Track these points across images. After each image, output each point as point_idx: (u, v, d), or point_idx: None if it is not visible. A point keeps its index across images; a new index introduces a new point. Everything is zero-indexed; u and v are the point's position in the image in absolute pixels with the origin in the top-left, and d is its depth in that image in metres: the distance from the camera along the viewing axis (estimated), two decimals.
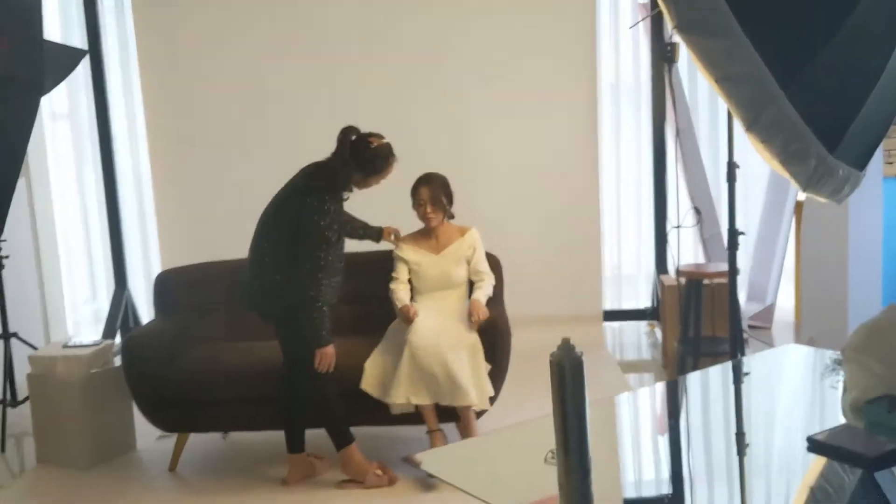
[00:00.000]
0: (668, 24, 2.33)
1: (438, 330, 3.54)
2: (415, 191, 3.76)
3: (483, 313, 3.62)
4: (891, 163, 4.53)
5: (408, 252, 3.80)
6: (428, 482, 3.38)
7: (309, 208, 3.30)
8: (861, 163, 2.60)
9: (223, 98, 5.35)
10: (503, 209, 5.38)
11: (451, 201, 3.81)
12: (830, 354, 2.59)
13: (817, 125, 2.43)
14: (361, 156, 3.38)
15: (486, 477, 1.92)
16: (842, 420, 2.00)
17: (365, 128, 3.47)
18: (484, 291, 3.76)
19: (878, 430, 1.86)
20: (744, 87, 2.35)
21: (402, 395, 3.46)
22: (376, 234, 3.85)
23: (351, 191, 3.47)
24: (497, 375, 3.60)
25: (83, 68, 5.26)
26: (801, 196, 5.40)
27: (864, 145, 2.62)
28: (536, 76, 5.32)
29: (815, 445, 1.83)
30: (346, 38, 5.31)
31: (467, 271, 3.81)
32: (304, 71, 5.33)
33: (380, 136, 3.44)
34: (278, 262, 3.35)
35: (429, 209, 3.72)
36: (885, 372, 1.98)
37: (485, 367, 3.56)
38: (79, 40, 5.43)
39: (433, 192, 3.73)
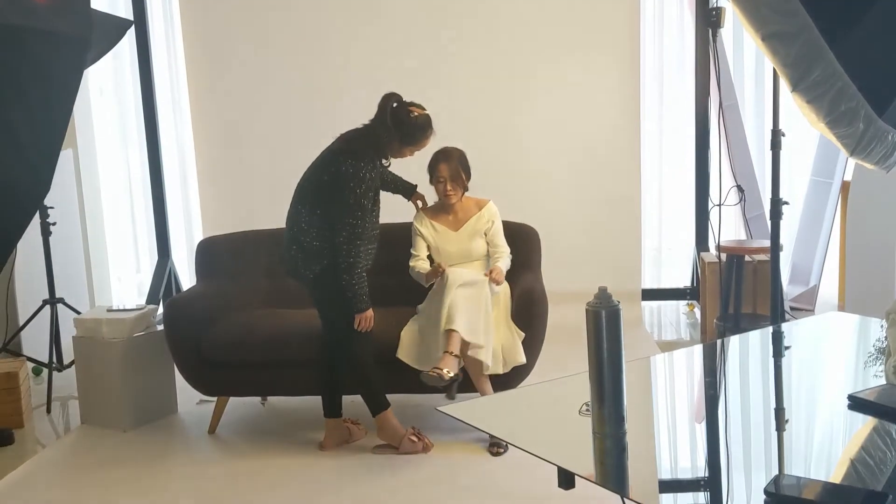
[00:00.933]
0: None
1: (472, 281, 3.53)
2: (433, 167, 3.69)
3: (500, 277, 3.60)
4: None
5: (426, 228, 3.76)
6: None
7: (345, 174, 3.31)
8: None
9: (266, 72, 5.40)
10: (543, 184, 5.37)
11: (469, 176, 3.74)
12: (876, 322, 2.54)
13: (866, 86, 2.38)
14: (401, 123, 3.38)
15: (519, 427, 1.92)
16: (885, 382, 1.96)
17: (405, 94, 3.47)
18: (502, 263, 3.72)
19: None
20: (790, 45, 2.30)
21: (445, 321, 3.38)
22: (409, 190, 3.81)
23: (388, 159, 3.47)
24: (532, 344, 3.59)
25: (128, 42, 5.33)
26: (848, 175, 5.29)
27: None
28: (578, 48, 5.29)
29: (856, 403, 1.80)
30: (390, 18, 5.32)
31: (485, 245, 3.79)
32: (349, 48, 5.35)
33: (421, 107, 3.44)
34: (315, 227, 3.38)
35: (448, 187, 3.67)
36: None
37: (516, 337, 3.55)
38: (124, 12, 5.50)
39: (452, 170, 3.66)
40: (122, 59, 5.76)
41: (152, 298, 5.36)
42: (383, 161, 3.48)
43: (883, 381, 1.95)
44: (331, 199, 3.34)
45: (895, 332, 2.04)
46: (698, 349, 2.84)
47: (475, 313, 3.42)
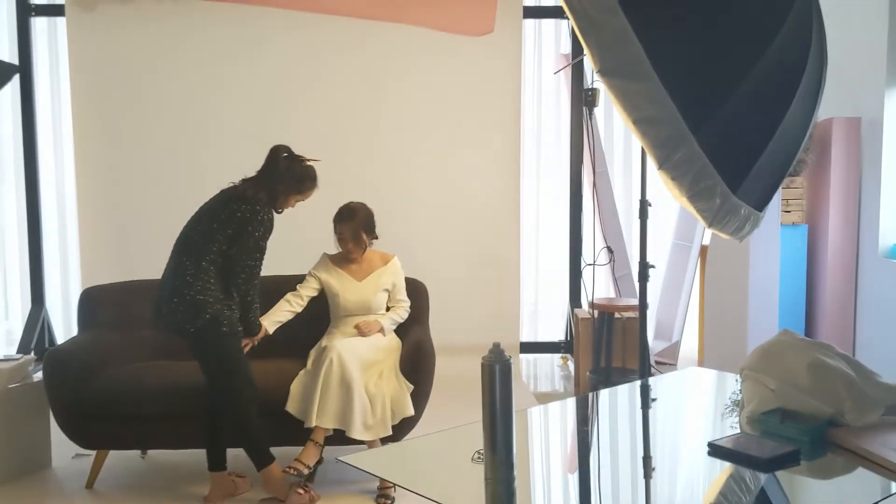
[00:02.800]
0: (592, 68, 2.54)
1: (354, 354, 3.59)
2: (335, 226, 3.82)
3: (369, 329, 3.74)
4: (788, 211, 4.90)
5: (329, 274, 3.86)
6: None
7: (241, 219, 3.38)
8: (760, 204, 2.86)
9: (151, 119, 5.40)
10: (429, 242, 5.56)
11: (372, 232, 3.88)
12: (732, 376, 2.82)
13: (723, 166, 2.68)
14: (292, 172, 3.51)
15: (417, 474, 2.04)
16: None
17: (294, 148, 3.61)
18: (394, 316, 3.87)
19: (771, 439, 2.07)
20: (658, 129, 2.58)
21: (314, 417, 3.47)
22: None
23: (277, 205, 3.55)
24: (420, 396, 3.71)
25: (10, 84, 5.22)
26: (706, 240, 5.75)
27: (765, 188, 2.87)
28: (465, 118, 5.56)
29: (715, 450, 2.03)
30: (283, 69, 5.44)
31: (386, 299, 3.94)
32: (237, 96, 5.42)
33: (309, 158, 3.58)
34: (201, 280, 3.38)
35: (350, 245, 3.82)
36: (777, 387, 2.20)
37: (405, 389, 3.67)
38: (9, 58, 5.38)
39: (354, 230, 3.80)
40: (4, 100, 5.61)
41: (24, 348, 5.17)
42: (276, 210, 3.57)
43: (738, 430, 2.19)
44: (226, 245, 3.40)
45: (748, 386, 2.30)
46: (571, 402, 3.05)
47: (347, 401, 3.48)
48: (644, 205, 3.90)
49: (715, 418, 2.46)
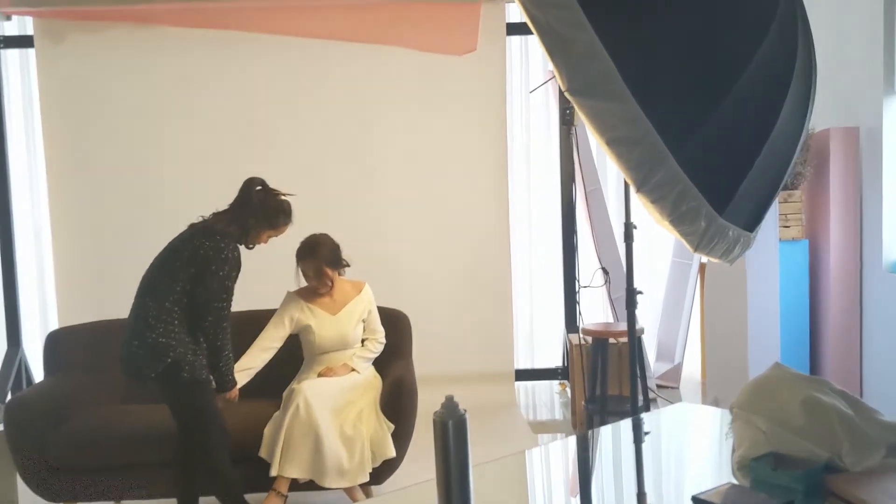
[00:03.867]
0: (560, 86, 2.37)
1: (324, 397, 3.40)
2: (298, 261, 3.64)
3: (337, 372, 3.57)
4: (787, 226, 4.71)
5: (301, 311, 3.66)
6: None
7: (204, 257, 3.18)
8: (751, 225, 2.67)
9: (125, 151, 5.25)
10: (416, 267, 5.38)
11: (339, 265, 3.70)
12: (727, 413, 2.63)
13: (706, 187, 2.50)
14: (266, 206, 3.33)
15: None
16: (731, 478, 2.01)
17: (275, 179, 3.44)
18: (366, 354, 3.69)
19: (762, 488, 1.87)
20: (633, 149, 2.40)
21: (277, 467, 3.28)
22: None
23: (248, 241, 3.38)
24: (402, 435, 3.53)
25: None
26: (705, 258, 5.57)
27: (754, 208, 2.69)
28: (450, 138, 5.39)
29: None
30: (261, 96, 5.29)
31: (362, 330, 3.75)
32: (213, 125, 5.27)
33: (283, 192, 3.40)
34: (163, 322, 3.18)
35: (314, 283, 3.65)
36: (770, 429, 2.00)
37: (385, 429, 3.47)
38: None
39: (316, 268, 3.62)
40: None
41: None
42: (247, 246, 3.40)
43: (728, 478, 2.00)
44: (190, 285, 3.20)
45: (739, 427, 2.11)
46: (556, 446, 2.86)
47: (316, 449, 3.29)
48: (629, 228, 3.71)
49: (705, 463, 2.26)
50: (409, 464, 3.57)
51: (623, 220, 6.11)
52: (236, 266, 3.25)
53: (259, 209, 3.31)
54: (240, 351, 3.59)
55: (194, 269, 3.20)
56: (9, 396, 5.02)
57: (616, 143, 2.39)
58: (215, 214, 3.34)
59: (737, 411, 2.15)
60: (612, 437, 2.60)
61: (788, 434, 1.96)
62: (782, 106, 2.56)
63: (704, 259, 5.54)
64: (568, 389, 5.64)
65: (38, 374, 5.41)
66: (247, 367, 3.53)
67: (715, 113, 2.44)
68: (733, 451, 2.12)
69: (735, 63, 2.45)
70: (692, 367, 5.92)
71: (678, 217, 2.50)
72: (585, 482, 2.31)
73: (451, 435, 1.62)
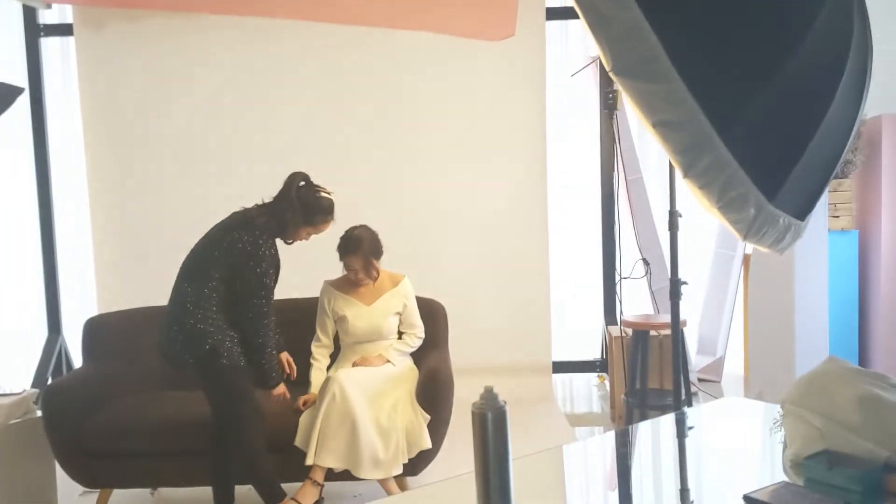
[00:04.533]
0: (605, 67, 2.29)
1: (359, 386, 3.36)
2: (342, 257, 3.58)
3: (372, 362, 3.54)
4: (836, 216, 4.56)
5: (336, 301, 3.65)
6: None
7: (242, 252, 3.17)
8: (802, 213, 2.57)
9: (165, 142, 5.25)
10: (453, 259, 5.32)
11: (379, 255, 3.65)
12: (776, 408, 2.53)
13: (756, 172, 2.40)
14: (307, 203, 3.29)
15: None
16: (783, 477, 1.92)
17: (314, 171, 3.40)
18: (402, 347, 3.66)
19: (817, 488, 1.78)
20: (680, 133, 2.31)
21: (313, 456, 3.25)
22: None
23: (287, 236, 3.35)
24: (438, 427, 3.46)
25: (24, 108, 5.13)
26: (749, 249, 5.42)
27: (806, 195, 2.58)
28: (488, 126, 5.31)
29: None
30: (300, 83, 5.25)
31: (398, 322, 3.70)
32: (250, 116, 5.26)
33: (326, 190, 3.36)
34: (202, 308, 3.17)
35: (362, 275, 3.60)
36: (824, 426, 1.90)
37: (421, 420, 3.42)
38: (20, 79, 5.29)
39: (364, 261, 3.57)
40: (17, 124, 5.52)
41: (40, 378, 5.05)
42: (286, 241, 3.37)
43: (777, 476, 1.91)
44: (227, 275, 3.18)
45: (791, 423, 2.01)
46: (597, 440, 2.77)
47: (352, 438, 3.25)
48: (674, 216, 3.61)
49: (752, 460, 2.17)
50: (445, 455, 3.51)
51: (666, 209, 6.04)
52: (273, 263, 3.22)
53: (298, 205, 3.27)
54: (285, 337, 3.58)
55: (232, 261, 3.19)
56: (49, 382, 5.07)
57: (662, 126, 2.30)
58: (258, 206, 3.31)
59: (788, 407, 2.06)
60: (654, 433, 2.52)
61: (844, 432, 1.86)
62: (837, 89, 2.45)
63: (749, 250, 5.40)
64: (607, 382, 5.54)
65: (77, 361, 5.47)
66: (315, 379, 3.59)
67: (764, 93, 2.34)
68: (784, 448, 2.03)
69: (786, 42, 2.34)
70: (734, 362, 5.78)
71: (727, 203, 2.40)
72: (625, 478, 2.23)
73: (491, 427, 1.55)
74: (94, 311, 5.43)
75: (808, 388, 2.05)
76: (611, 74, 2.28)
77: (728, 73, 2.32)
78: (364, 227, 3.62)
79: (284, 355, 3.59)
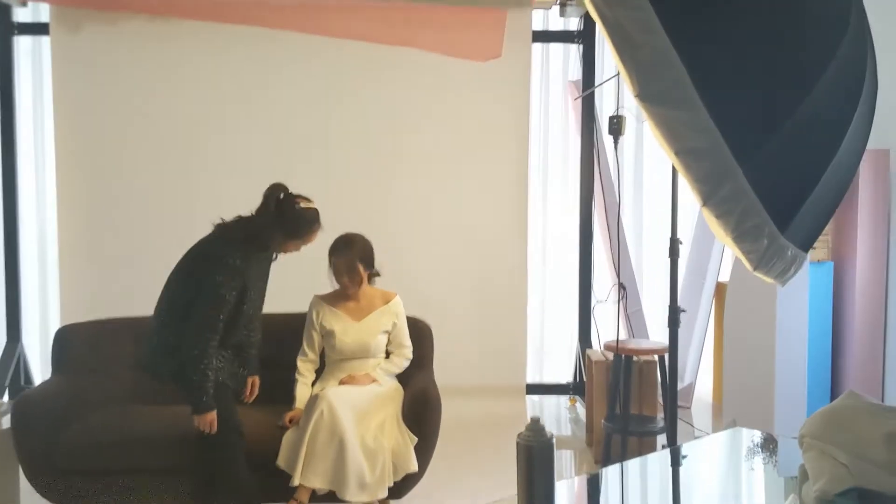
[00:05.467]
0: (630, 91, 2.27)
1: (348, 404, 3.28)
2: (330, 256, 3.54)
3: (359, 381, 3.46)
4: (813, 248, 4.62)
5: (324, 315, 3.57)
6: None
7: (209, 259, 3.11)
8: (807, 245, 2.60)
9: (139, 147, 5.10)
10: (429, 276, 5.26)
11: (371, 266, 3.61)
12: (756, 435, 2.54)
13: (771, 203, 2.41)
14: (286, 216, 3.21)
15: None
16: None
17: (294, 182, 3.32)
18: (390, 367, 3.59)
19: None
20: (703, 161, 2.30)
21: (299, 476, 3.15)
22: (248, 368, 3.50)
23: (268, 250, 3.26)
24: (424, 449, 3.40)
25: None
26: (723, 277, 5.48)
27: (812, 227, 2.61)
28: (472, 147, 5.28)
29: None
30: (281, 95, 5.15)
31: (386, 341, 3.64)
32: (229, 123, 5.14)
33: (308, 200, 3.28)
34: (174, 320, 3.14)
35: (345, 279, 3.53)
36: (851, 462, 1.90)
37: (408, 442, 3.35)
38: None
39: (349, 263, 3.51)
40: None
41: None
42: (270, 255, 3.29)
43: None
44: (193, 287, 3.12)
45: (813, 458, 2.00)
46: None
47: (339, 458, 3.17)
48: (674, 243, 3.61)
49: (771, 496, 2.16)
50: (426, 477, 3.45)
51: (635, 233, 6.09)
52: (234, 276, 3.10)
53: (279, 219, 3.19)
54: (270, 353, 3.52)
55: (197, 269, 3.13)
56: (6, 393, 4.86)
57: (685, 154, 2.30)
58: (237, 219, 3.22)
59: (809, 441, 2.05)
60: (652, 466, 2.50)
61: (874, 469, 1.85)
62: (852, 119, 2.49)
63: (723, 278, 5.46)
64: (578, 405, 5.53)
65: (36, 370, 5.26)
66: (300, 395, 3.49)
67: (786, 125, 2.35)
68: (800, 484, 2.02)
69: (810, 73, 2.36)
70: (704, 389, 5.83)
71: (741, 234, 2.41)
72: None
73: (537, 461, 1.50)
74: (53, 320, 5.25)
75: (828, 423, 2.04)
76: (636, 100, 2.27)
77: (751, 105, 2.33)
78: (360, 234, 3.57)
79: (253, 379, 3.50)
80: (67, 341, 3.77)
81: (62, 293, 5.16)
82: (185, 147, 5.13)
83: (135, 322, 3.75)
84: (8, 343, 5.10)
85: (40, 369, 5.29)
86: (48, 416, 3.34)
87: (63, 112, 5.05)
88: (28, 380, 5.12)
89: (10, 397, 4.82)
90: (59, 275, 5.19)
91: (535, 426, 1.52)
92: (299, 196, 3.26)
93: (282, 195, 3.23)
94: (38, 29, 5.14)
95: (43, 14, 5.16)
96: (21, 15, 5.16)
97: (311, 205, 3.26)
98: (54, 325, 5.04)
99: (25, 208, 5.28)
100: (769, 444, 2.51)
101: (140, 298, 3.53)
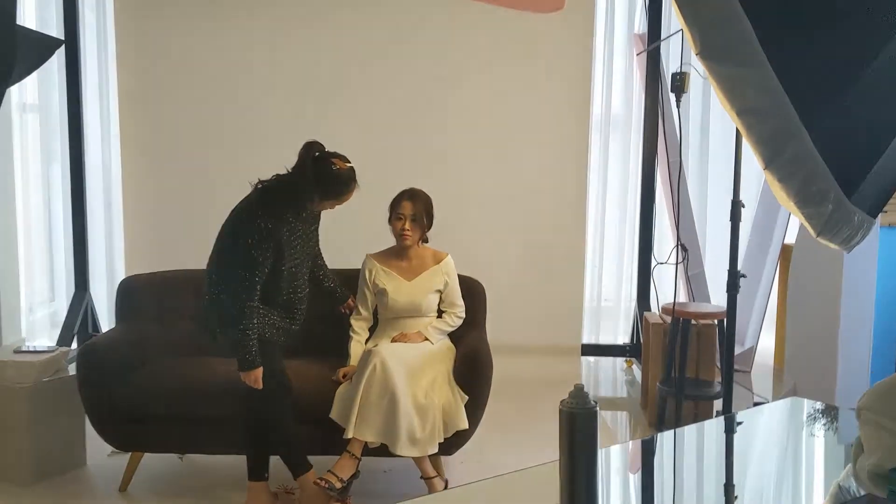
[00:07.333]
0: (691, 49, 2.18)
1: (400, 361, 3.30)
2: (396, 203, 3.54)
3: (411, 339, 3.49)
4: (886, 211, 4.45)
5: (377, 274, 3.59)
6: None
7: (243, 222, 3.15)
8: (875, 210, 2.49)
9: (201, 101, 5.16)
10: (486, 234, 5.23)
11: (430, 223, 3.61)
12: (815, 405, 2.47)
13: (837, 167, 2.31)
14: (322, 175, 3.19)
15: None
16: (850, 484, 1.86)
17: (349, 146, 3.31)
18: (442, 326, 3.60)
19: None
20: (766, 121, 2.21)
21: (353, 429, 3.20)
22: (338, 298, 3.66)
23: (304, 210, 3.27)
24: (475, 407, 3.40)
25: (57, 59, 5.03)
26: (789, 239, 5.31)
27: (880, 193, 2.50)
28: (527, 103, 5.19)
29: None
30: (333, 53, 5.14)
31: (438, 300, 3.64)
32: (289, 81, 5.15)
33: (344, 159, 3.25)
34: (220, 278, 3.20)
35: (407, 225, 3.52)
36: None
37: (459, 400, 3.36)
38: (55, 31, 5.20)
39: (416, 209, 3.52)
40: (51, 76, 5.43)
41: (66, 334, 5.01)
42: (311, 213, 3.30)
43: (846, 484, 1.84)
44: (230, 248, 3.17)
45: (869, 432, 1.94)
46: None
47: (391, 413, 3.19)
48: (736, 206, 3.51)
49: (826, 467, 2.10)
50: (481, 433, 3.47)
51: (699, 194, 5.92)
52: (266, 237, 3.10)
53: (315, 178, 3.18)
54: (319, 307, 3.56)
55: (231, 230, 3.19)
56: (75, 340, 5.03)
57: (747, 114, 2.21)
58: (274, 178, 3.23)
59: (866, 414, 1.98)
60: (708, 433, 2.46)
61: None
62: None
63: (788, 240, 5.29)
64: (635, 367, 5.47)
65: (103, 320, 5.43)
66: (354, 351, 3.54)
67: (853, 87, 2.24)
68: (855, 457, 1.96)
69: (876, 36, 2.25)
70: (765, 353, 5.70)
71: (805, 198, 2.32)
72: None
73: (579, 428, 1.48)
74: (119, 272, 5.39)
75: (888, 396, 1.97)
76: (697, 57, 2.18)
77: (819, 65, 2.23)
78: (424, 192, 3.60)
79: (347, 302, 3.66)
80: (131, 292, 3.87)
81: (126, 244, 5.30)
82: (244, 102, 5.16)
83: (196, 274, 3.81)
84: (76, 292, 5.26)
85: (107, 318, 5.45)
86: (111, 364, 3.45)
87: (126, 71, 5.14)
88: (96, 328, 5.29)
89: (79, 344, 4.99)
90: (123, 225, 5.32)
91: (579, 393, 1.49)
92: (335, 155, 3.24)
93: (317, 154, 3.22)
94: None
95: None
96: None
97: (346, 164, 3.24)
98: (120, 275, 5.19)
99: (92, 158, 5.40)
100: (827, 415, 2.44)
101: (203, 250, 3.57)
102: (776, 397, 4.78)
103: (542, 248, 5.28)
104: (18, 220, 5.47)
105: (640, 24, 5.59)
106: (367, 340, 3.60)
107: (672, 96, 4.09)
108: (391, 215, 3.56)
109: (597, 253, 5.84)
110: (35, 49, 4.04)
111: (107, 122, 5.48)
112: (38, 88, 5.54)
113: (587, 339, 5.69)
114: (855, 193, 2.34)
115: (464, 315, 3.66)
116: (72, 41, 5.08)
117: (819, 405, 2.48)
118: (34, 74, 4.62)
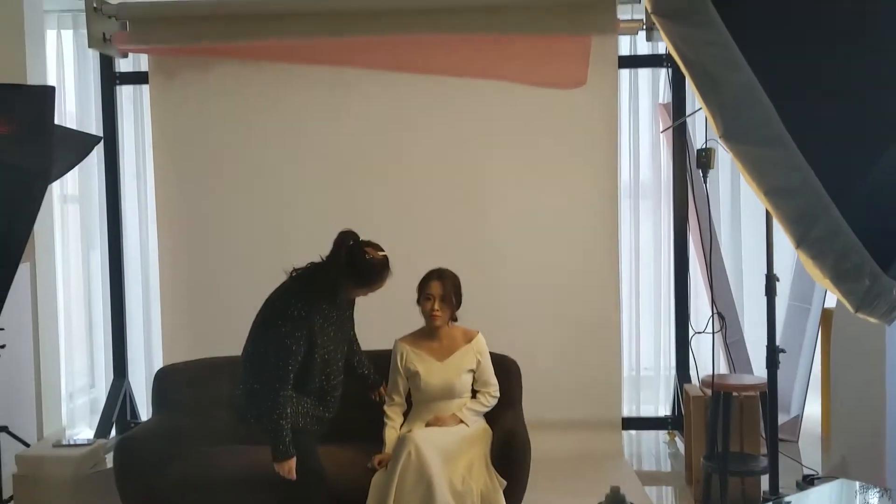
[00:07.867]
0: (714, 132, 2.19)
1: (435, 446, 3.27)
2: (424, 284, 3.56)
3: (444, 424, 3.44)
4: None
5: (408, 357, 3.58)
6: None
7: (276, 310, 3.21)
8: None
9: (236, 190, 5.23)
10: (519, 308, 5.19)
11: (459, 302, 3.61)
12: (863, 488, 2.39)
13: (870, 240, 2.28)
14: (356, 264, 3.24)
15: None
16: None
17: (380, 223, 3.37)
18: (476, 407, 3.56)
19: None
20: (793, 200, 2.21)
21: None
22: (371, 385, 3.68)
23: (337, 298, 3.31)
24: (514, 491, 3.35)
25: (97, 152, 5.19)
26: (829, 303, 5.21)
27: None
28: (557, 175, 5.20)
29: None
30: (369, 134, 5.20)
31: (471, 380, 3.61)
32: (323, 164, 5.21)
33: (377, 248, 3.31)
34: (254, 366, 3.24)
35: (437, 305, 3.52)
36: None
37: (497, 485, 3.30)
38: (94, 124, 5.38)
39: (444, 289, 3.54)
40: (90, 168, 5.60)
41: (105, 421, 5.04)
42: (345, 301, 3.35)
43: None
44: (264, 336, 3.24)
45: None
46: None
47: (427, 501, 3.15)
48: (771, 280, 3.46)
49: None
50: None
51: (733, 260, 5.86)
52: (298, 326, 3.15)
53: (349, 267, 3.23)
54: (354, 391, 3.58)
55: (264, 318, 3.25)
56: (114, 429, 5.06)
57: (774, 194, 2.21)
58: (306, 269, 3.29)
59: None
60: None
61: None
62: None
63: (829, 304, 5.20)
64: (678, 440, 5.35)
65: (141, 406, 5.45)
66: (389, 438, 3.50)
67: (883, 158, 2.23)
68: None
69: None
70: (812, 421, 5.54)
71: (840, 274, 2.29)
72: None
73: None
74: (157, 358, 5.44)
75: None
76: (721, 140, 2.19)
77: (846, 138, 2.22)
78: (451, 271, 3.62)
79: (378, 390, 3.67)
80: (167, 382, 3.90)
81: (164, 330, 5.34)
82: (280, 186, 5.22)
83: (231, 361, 3.83)
84: (115, 379, 5.31)
85: (146, 404, 5.47)
86: (147, 456, 3.45)
87: (162, 155, 5.25)
88: (134, 415, 5.32)
89: (119, 433, 5.01)
90: (160, 312, 5.38)
91: (615, 495, 1.46)
92: (369, 244, 3.30)
93: (351, 242, 3.26)
94: (138, 78, 5.37)
95: (142, 64, 5.40)
96: (123, 65, 5.41)
97: (379, 253, 3.28)
98: (158, 362, 5.23)
99: (130, 245, 5.52)
100: (879, 498, 2.35)
101: (239, 336, 3.60)
102: (825, 469, 4.63)
103: (576, 321, 5.22)
104: (60, 309, 5.58)
105: (665, 94, 5.63)
106: (401, 425, 3.57)
107: (702, 173, 4.08)
108: (420, 296, 3.57)
109: (633, 322, 5.78)
110: (75, 148, 4.20)
111: (144, 210, 5.61)
112: (79, 179, 5.72)
113: (627, 410, 5.59)
114: (892, 266, 2.30)
115: (498, 394, 3.63)
116: (110, 132, 5.25)
117: (871, 490, 2.40)
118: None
